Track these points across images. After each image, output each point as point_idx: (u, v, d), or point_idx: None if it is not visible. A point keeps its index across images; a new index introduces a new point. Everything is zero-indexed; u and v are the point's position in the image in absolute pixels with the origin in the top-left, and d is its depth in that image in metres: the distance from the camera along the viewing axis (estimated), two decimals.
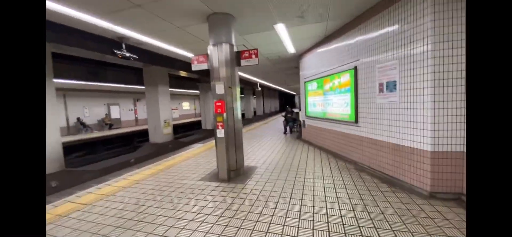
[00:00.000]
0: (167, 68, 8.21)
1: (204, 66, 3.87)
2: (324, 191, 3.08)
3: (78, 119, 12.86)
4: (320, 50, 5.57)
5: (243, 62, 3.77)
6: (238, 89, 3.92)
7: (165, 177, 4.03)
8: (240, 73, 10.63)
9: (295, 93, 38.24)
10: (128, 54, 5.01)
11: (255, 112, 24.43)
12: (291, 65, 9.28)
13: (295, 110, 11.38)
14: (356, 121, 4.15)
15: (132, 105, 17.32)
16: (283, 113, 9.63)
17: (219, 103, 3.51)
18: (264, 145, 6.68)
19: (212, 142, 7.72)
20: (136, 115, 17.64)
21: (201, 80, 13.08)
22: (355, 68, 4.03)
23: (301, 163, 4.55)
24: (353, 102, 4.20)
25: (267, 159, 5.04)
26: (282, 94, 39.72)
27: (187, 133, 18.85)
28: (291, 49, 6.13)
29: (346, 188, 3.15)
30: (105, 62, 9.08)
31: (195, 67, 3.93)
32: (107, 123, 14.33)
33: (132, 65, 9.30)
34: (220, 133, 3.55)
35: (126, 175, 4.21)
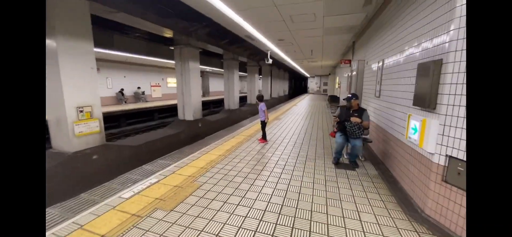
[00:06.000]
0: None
1: None
2: None
3: None
4: None
5: None
6: None
7: None
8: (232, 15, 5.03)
9: (308, 76, 32.12)
10: None
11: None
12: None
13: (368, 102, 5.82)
14: None
15: None
16: (335, 111, 4.13)
17: None
18: None
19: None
20: None
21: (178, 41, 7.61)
22: None
23: None
24: None
25: None
26: (292, 76, 33.73)
27: (166, 120, 13.23)
28: None
29: None
30: None
31: None
32: None
33: None
34: None
35: None
